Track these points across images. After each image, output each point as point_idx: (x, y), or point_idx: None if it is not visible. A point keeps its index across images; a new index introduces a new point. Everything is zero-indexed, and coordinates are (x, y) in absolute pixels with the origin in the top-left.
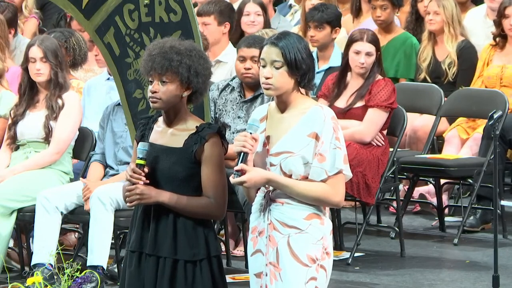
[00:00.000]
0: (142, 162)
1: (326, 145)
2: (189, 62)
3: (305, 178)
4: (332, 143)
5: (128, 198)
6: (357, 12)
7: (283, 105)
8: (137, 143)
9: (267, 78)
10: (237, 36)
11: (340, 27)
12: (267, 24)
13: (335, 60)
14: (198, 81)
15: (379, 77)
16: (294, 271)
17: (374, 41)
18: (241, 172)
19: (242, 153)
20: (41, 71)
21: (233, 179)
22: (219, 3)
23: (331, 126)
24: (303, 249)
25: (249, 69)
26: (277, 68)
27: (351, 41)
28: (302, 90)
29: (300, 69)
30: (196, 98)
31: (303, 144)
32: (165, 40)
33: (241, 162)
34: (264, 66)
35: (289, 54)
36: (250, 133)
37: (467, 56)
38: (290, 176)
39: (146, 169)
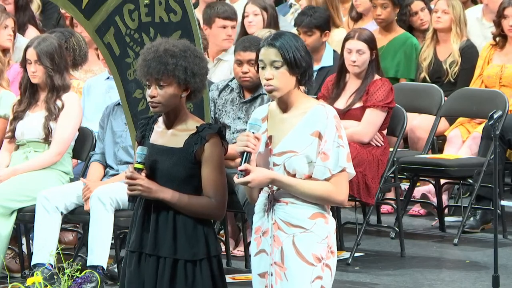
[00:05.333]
0: (140, 166)
1: (329, 143)
2: (185, 63)
3: (309, 177)
4: (335, 141)
5: (131, 186)
6: (356, 19)
7: (284, 105)
8: (138, 144)
9: (268, 80)
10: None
11: (329, 29)
12: (269, 23)
13: (327, 60)
14: (196, 81)
15: (377, 77)
16: (300, 270)
17: (367, 40)
18: (245, 172)
19: (245, 153)
20: (36, 73)
21: (237, 179)
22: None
23: (334, 124)
24: (308, 248)
25: (246, 72)
26: (277, 68)
27: (344, 40)
28: (302, 88)
29: (300, 67)
30: (195, 96)
31: (307, 143)
32: (158, 43)
33: (244, 162)
34: (263, 68)
35: (287, 53)
36: (253, 132)
37: (469, 56)
38: (294, 176)
39: (143, 173)
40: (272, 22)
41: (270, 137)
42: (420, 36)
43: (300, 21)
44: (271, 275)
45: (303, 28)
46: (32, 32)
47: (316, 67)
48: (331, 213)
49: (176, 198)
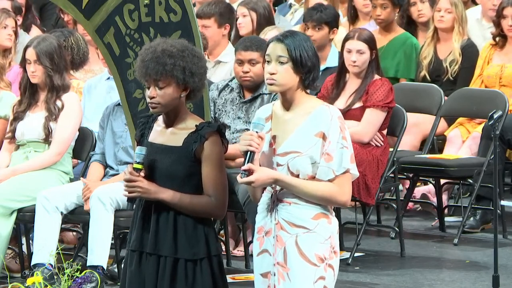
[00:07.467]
0: (139, 166)
1: (333, 144)
2: (183, 63)
3: (312, 177)
4: (339, 142)
5: (130, 188)
6: (353, 19)
7: (287, 104)
8: (137, 142)
9: (271, 74)
10: (237, 38)
11: (337, 27)
12: (258, 24)
13: (332, 60)
14: (194, 81)
15: (377, 77)
16: (303, 270)
17: (367, 40)
18: (249, 172)
19: (249, 152)
20: (35, 73)
21: (240, 179)
22: (219, 4)
23: (338, 125)
24: (311, 248)
25: (247, 72)
26: (282, 64)
27: (344, 40)
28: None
29: (305, 66)
30: (194, 96)
31: (311, 144)
32: (156, 44)
33: (248, 161)
34: (269, 62)
35: (294, 51)
36: (256, 132)
37: (469, 55)
38: (297, 176)
39: (142, 173)
40: (264, 22)
41: (274, 137)
42: (422, 29)
43: (309, 16)
44: (274, 275)
45: (312, 23)
46: (34, 32)
47: (321, 66)
48: (334, 213)
49: (176, 198)
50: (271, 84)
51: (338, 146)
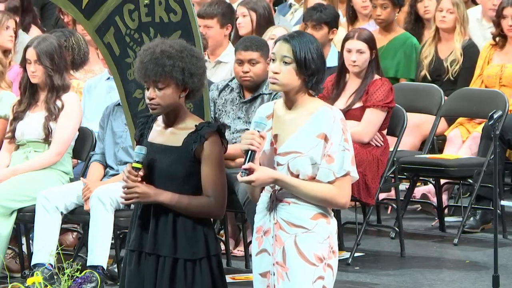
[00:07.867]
0: (138, 165)
1: (335, 146)
2: (182, 64)
3: (312, 178)
4: (341, 144)
5: (127, 195)
6: (352, 20)
7: (290, 103)
8: (136, 142)
9: (274, 73)
10: (237, 38)
11: (337, 28)
12: (258, 24)
13: (332, 60)
14: (194, 81)
15: (377, 77)
16: (302, 270)
17: (366, 39)
18: (249, 171)
19: (250, 151)
20: (35, 73)
21: (240, 178)
22: (221, 5)
23: (340, 127)
24: (310, 248)
25: (247, 72)
26: (286, 64)
27: (344, 40)
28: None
29: (309, 69)
30: (193, 95)
31: (312, 145)
32: (155, 45)
33: (248, 160)
34: (273, 60)
35: (299, 52)
36: (258, 131)
37: (470, 55)
38: (297, 176)
39: (141, 173)
40: (264, 22)
41: (275, 136)
42: (429, 26)
43: (309, 16)
44: (273, 274)
45: (311, 22)
46: (34, 32)
47: None
48: (333, 213)
49: (175, 200)
50: (273, 83)
51: (339, 148)
